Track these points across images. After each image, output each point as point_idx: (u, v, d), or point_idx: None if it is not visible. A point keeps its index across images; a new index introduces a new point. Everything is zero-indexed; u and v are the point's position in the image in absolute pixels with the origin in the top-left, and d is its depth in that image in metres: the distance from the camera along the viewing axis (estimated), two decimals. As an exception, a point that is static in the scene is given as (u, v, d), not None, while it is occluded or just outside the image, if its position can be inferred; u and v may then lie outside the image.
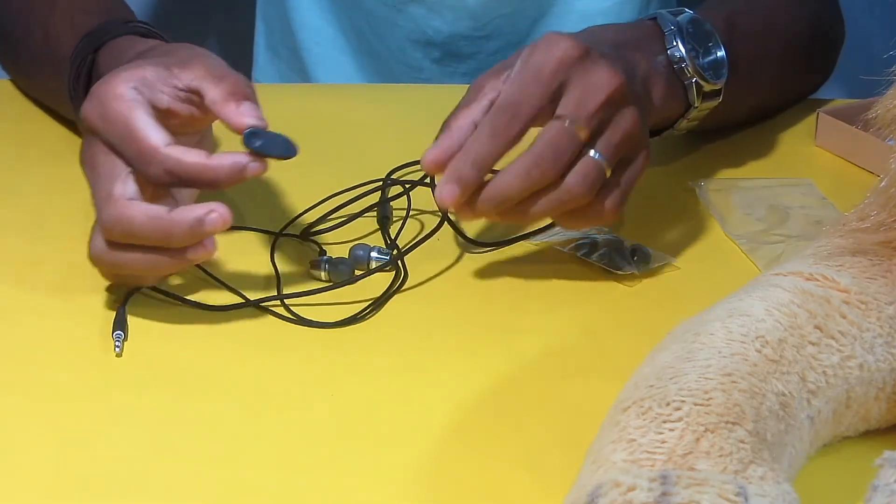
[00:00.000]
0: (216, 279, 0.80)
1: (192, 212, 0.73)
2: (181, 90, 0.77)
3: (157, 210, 0.73)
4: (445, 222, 0.84)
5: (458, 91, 1.13)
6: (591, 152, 0.77)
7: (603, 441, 0.58)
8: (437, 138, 0.78)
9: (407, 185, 0.89)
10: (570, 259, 0.85)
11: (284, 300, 0.78)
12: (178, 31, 1.33)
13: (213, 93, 0.76)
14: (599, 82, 0.78)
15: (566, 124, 0.77)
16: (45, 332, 0.76)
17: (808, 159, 1.00)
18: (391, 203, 0.88)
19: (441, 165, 0.77)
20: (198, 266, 0.81)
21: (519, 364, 0.74)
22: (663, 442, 0.56)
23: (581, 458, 0.59)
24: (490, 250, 0.86)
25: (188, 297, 0.78)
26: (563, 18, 1.16)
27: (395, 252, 0.83)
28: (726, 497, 0.53)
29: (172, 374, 0.73)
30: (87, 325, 0.76)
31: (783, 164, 1.00)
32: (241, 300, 0.79)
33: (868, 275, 0.68)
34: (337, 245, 0.85)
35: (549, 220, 0.83)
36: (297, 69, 1.23)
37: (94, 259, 0.76)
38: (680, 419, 0.57)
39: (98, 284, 0.80)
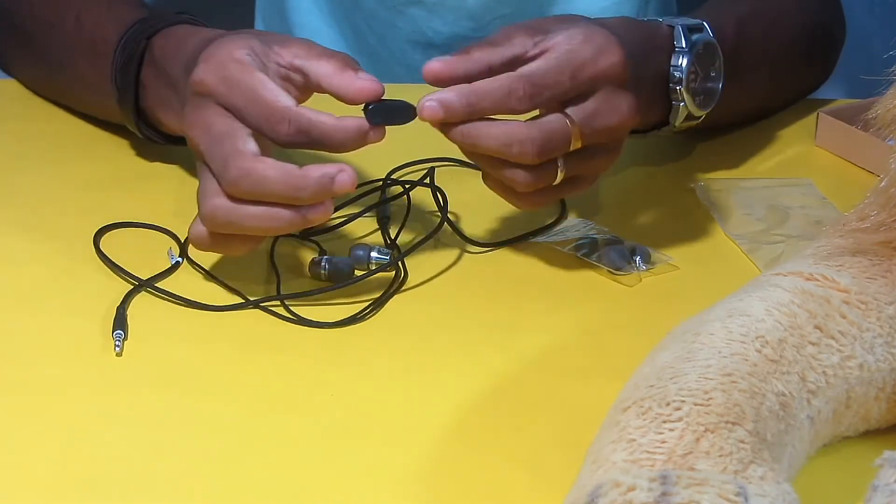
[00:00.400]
0: (216, 279, 0.80)
1: (323, 168, 0.74)
2: (282, 67, 0.78)
3: (288, 165, 0.74)
4: (445, 222, 0.84)
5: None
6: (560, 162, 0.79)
7: (603, 441, 0.58)
8: (453, 55, 0.79)
9: (407, 185, 0.89)
10: (570, 259, 0.85)
11: (284, 300, 0.78)
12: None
13: (323, 68, 0.78)
14: (619, 112, 0.79)
15: (570, 128, 0.77)
16: (45, 332, 0.76)
17: (808, 159, 1.00)
18: (391, 203, 0.88)
19: (439, 79, 0.78)
20: (197, 266, 0.81)
21: (519, 364, 0.74)
22: (663, 442, 0.56)
23: (581, 458, 0.59)
24: (490, 250, 0.86)
25: (188, 298, 0.78)
26: None
27: (395, 252, 0.83)
28: (726, 497, 0.53)
29: (172, 374, 0.73)
30: (87, 325, 0.76)
31: (783, 164, 1.00)
32: (241, 300, 0.78)
33: (868, 275, 0.68)
34: (337, 245, 0.85)
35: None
36: None
37: (209, 217, 0.75)
38: (680, 419, 0.57)
39: (98, 284, 0.80)
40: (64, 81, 0.99)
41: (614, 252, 0.84)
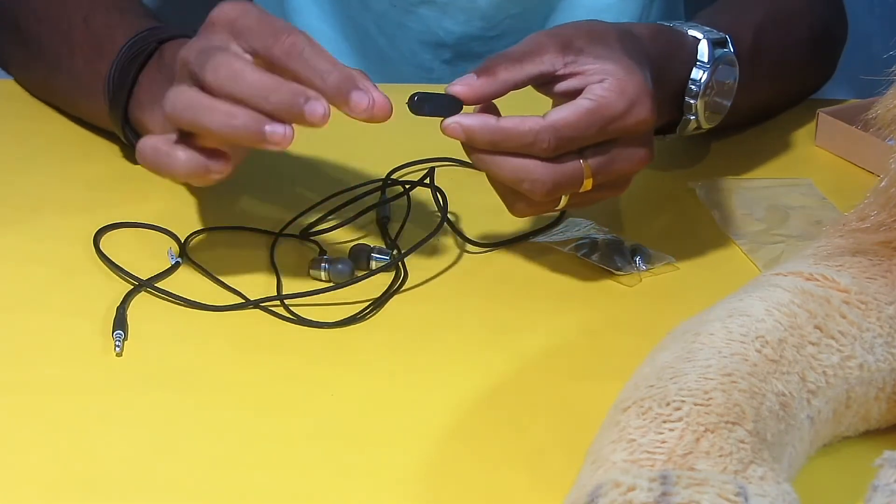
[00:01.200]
0: (216, 279, 0.80)
1: (302, 88, 0.72)
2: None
3: (268, 73, 0.72)
4: (445, 223, 0.84)
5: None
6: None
7: (603, 441, 0.58)
8: (477, 70, 0.78)
9: (407, 186, 0.89)
10: (570, 259, 0.85)
11: (284, 300, 0.78)
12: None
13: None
14: (636, 159, 0.79)
15: (584, 173, 0.78)
16: (45, 332, 0.76)
17: (808, 159, 1.00)
18: (391, 203, 0.88)
19: (465, 99, 0.77)
20: (197, 265, 0.81)
21: (519, 364, 0.74)
22: (663, 442, 0.56)
23: (581, 458, 0.59)
24: (490, 250, 0.86)
25: (188, 298, 0.78)
26: (570, 14, 1.16)
27: (395, 252, 0.83)
28: (726, 497, 0.53)
29: (172, 374, 0.73)
30: (87, 325, 0.76)
31: (783, 164, 1.00)
32: (240, 300, 0.78)
33: (868, 275, 0.68)
34: (337, 245, 0.85)
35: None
36: None
37: (170, 101, 0.74)
38: (680, 419, 0.57)
39: (98, 284, 0.80)
40: (57, 81, 0.99)
41: (614, 252, 0.84)
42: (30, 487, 0.64)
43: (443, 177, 0.91)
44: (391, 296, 0.80)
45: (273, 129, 0.72)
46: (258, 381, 0.72)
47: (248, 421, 0.69)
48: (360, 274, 0.81)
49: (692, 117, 0.89)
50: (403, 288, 0.81)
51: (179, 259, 0.82)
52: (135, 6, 0.95)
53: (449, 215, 0.86)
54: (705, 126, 0.90)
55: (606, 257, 0.83)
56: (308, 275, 0.81)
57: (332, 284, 0.80)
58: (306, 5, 1.19)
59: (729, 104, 0.91)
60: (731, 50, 0.89)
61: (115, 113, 0.89)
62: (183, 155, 0.75)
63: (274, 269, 0.82)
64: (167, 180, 0.90)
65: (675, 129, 0.91)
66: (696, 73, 0.87)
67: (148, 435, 0.68)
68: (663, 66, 0.84)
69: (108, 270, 0.81)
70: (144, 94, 0.87)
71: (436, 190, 0.87)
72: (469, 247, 0.86)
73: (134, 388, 0.71)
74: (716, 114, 0.91)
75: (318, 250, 0.84)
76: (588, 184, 0.78)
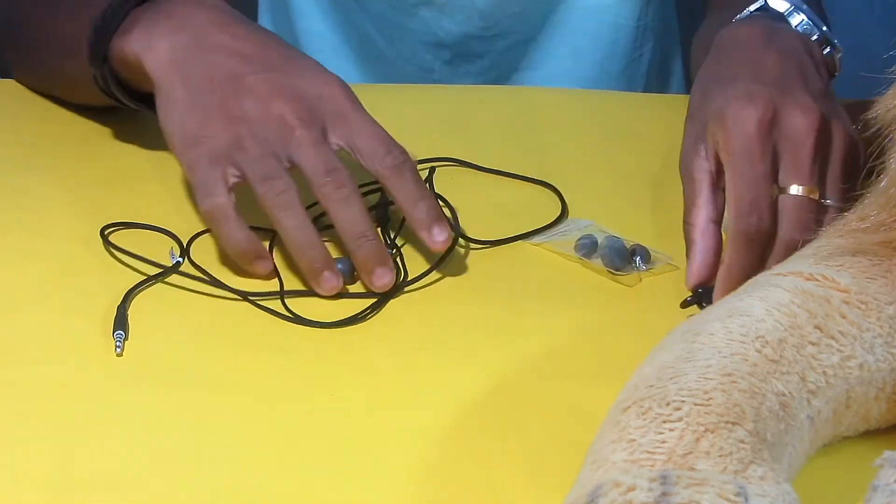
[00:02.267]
0: (215, 279, 0.80)
1: (325, 254, 0.79)
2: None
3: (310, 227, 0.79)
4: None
5: (459, 92, 1.14)
6: (830, 202, 0.79)
7: (603, 441, 0.58)
8: (687, 249, 0.81)
9: None
10: (570, 259, 0.85)
11: (284, 297, 0.78)
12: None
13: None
14: (802, 130, 0.79)
15: (795, 193, 0.78)
16: (45, 330, 0.76)
17: (808, 159, 1.00)
18: (390, 206, 0.88)
19: (709, 279, 0.80)
20: (199, 267, 0.81)
21: (519, 364, 0.74)
22: (663, 442, 0.56)
23: (581, 459, 0.59)
24: (488, 247, 0.85)
25: (188, 298, 0.78)
26: (570, 14, 1.16)
27: (394, 253, 0.83)
28: (726, 497, 0.53)
29: (172, 374, 0.73)
30: (88, 325, 0.76)
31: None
32: (238, 297, 0.79)
33: (868, 275, 0.68)
34: (338, 245, 0.85)
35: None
36: None
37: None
38: (680, 419, 0.57)
39: (99, 283, 0.80)
40: (44, 51, 0.98)
41: (614, 252, 0.84)
42: (29, 486, 0.64)
43: (443, 177, 0.91)
44: (391, 296, 0.80)
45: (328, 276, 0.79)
46: (258, 381, 0.72)
47: (247, 420, 0.69)
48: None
49: (828, 51, 0.89)
50: (404, 288, 0.81)
51: (180, 259, 0.82)
52: None
53: (448, 215, 0.86)
54: (838, 53, 0.89)
55: (606, 257, 0.83)
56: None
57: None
58: (308, 8, 1.20)
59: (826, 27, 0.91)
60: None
61: (97, 48, 0.87)
62: (244, 235, 0.79)
63: (274, 266, 0.82)
64: (169, 182, 0.90)
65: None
66: (791, 16, 0.88)
67: (148, 435, 0.68)
68: (778, 48, 0.86)
69: (109, 270, 0.81)
70: (133, 27, 0.85)
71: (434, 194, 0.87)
72: (470, 246, 0.86)
73: (134, 387, 0.71)
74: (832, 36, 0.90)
75: None
76: (833, 207, 0.79)
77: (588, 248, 0.85)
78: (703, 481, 0.54)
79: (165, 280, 0.80)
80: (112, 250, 0.82)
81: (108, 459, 0.66)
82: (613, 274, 0.83)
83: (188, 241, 0.84)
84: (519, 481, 0.65)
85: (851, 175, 0.80)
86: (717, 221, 0.81)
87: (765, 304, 0.65)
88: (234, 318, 0.78)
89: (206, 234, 0.85)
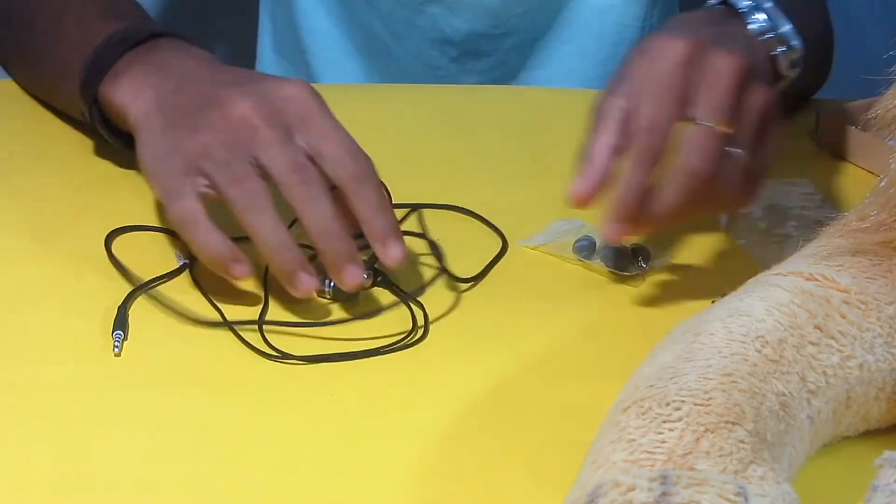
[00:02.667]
0: (206, 297, 0.80)
1: (300, 258, 0.77)
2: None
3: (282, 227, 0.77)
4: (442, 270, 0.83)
5: (462, 91, 1.14)
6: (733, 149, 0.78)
7: (603, 441, 0.58)
8: (580, 169, 0.78)
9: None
10: (570, 259, 0.85)
11: (262, 326, 0.76)
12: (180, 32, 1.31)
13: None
14: (723, 70, 0.78)
15: (708, 125, 0.77)
16: (47, 330, 0.76)
17: (808, 159, 1.00)
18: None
19: (590, 198, 0.77)
20: (194, 277, 0.81)
21: (519, 364, 0.74)
22: (663, 442, 0.56)
23: (581, 458, 0.59)
24: (473, 284, 0.83)
25: (192, 301, 0.78)
26: (577, 14, 1.16)
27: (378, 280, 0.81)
28: (726, 497, 0.53)
29: (172, 374, 0.73)
30: (88, 324, 0.76)
31: (783, 164, 0.99)
32: (219, 319, 0.77)
33: (868, 275, 0.68)
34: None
35: None
36: (304, 73, 1.23)
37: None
38: (680, 419, 0.57)
39: (100, 284, 0.80)
40: (43, 68, 0.98)
41: (614, 252, 0.83)
42: (28, 486, 0.64)
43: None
44: (389, 306, 0.80)
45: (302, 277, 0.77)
46: (257, 381, 0.72)
47: (247, 421, 0.69)
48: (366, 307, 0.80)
49: (781, 50, 0.87)
50: (403, 289, 0.81)
51: (188, 261, 0.82)
52: (132, 9, 0.95)
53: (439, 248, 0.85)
54: (794, 54, 0.88)
55: (608, 258, 0.83)
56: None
57: (313, 321, 0.77)
58: (312, 6, 1.20)
59: (791, 26, 0.89)
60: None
61: (88, 88, 0.87)
62: (217, 237, 0.77)
63: (264, 290, 0.80)
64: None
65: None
66: (748, 17, 0.87)
67: (147, 434, 0.68)
68: (716, 24, 0.85)
69: (113, 272, 0.81)
70: (124, 72, 0.86)
71: (425, 236, 0.85)
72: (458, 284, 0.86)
73: (134, 387, 0.71)
74: (794, 36, 0.89)
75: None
76: (726, 126, 0.77)
77: (587, 249, 0.84)
78: (703, 481, 0.54)
79: (172, 282, 0.80)
80: (115, 255, 0.82)
81: (108, 460, 0.66)
82: (615, 274, 0.83)
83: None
84: (519, 481, 0.65)
85: (763, 133, 0.80)
86: (616, 150, 0.78)
87: (765, 303, 0.65)
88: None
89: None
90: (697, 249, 0.87)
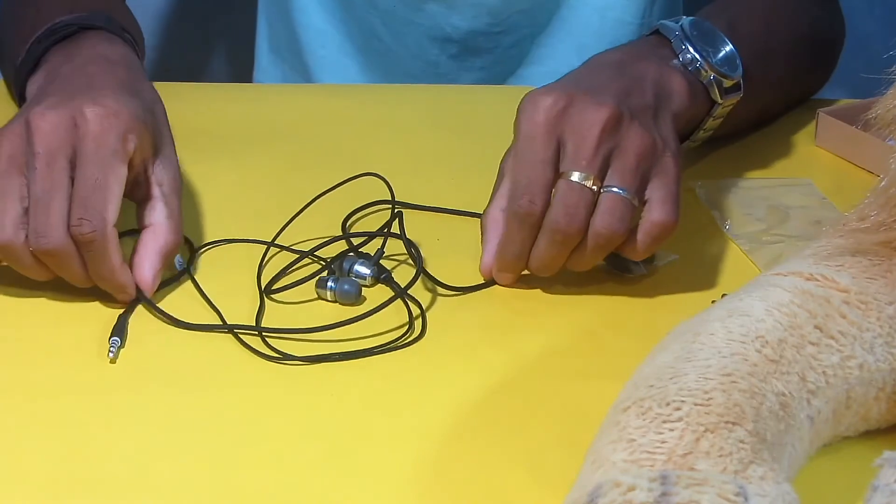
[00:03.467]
0: (206, 298, 0.80)
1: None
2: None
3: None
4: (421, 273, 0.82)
5: (461, 91, 1.14)
6: (612, 189, 0.78)
7: (603, 441, 0.58)
8: (482, 239, 0.82)
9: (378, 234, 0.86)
10: (571, 259, 0.84)
11: (263, 332, 0.76)
12: (180, 32, 1.33)
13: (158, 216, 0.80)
14: (588, 122, 0.78)
15: (572, 179, 0.77)
16: (47, 335, 0.76)
17: (808, 159, 1.00)
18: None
19: (494, 268, 0.81)
20: (194, 281, 0.81)
21: (519, 364, 0.74)
22: (663, 442, 0.56)
23: (581, 458, 0.59)
24: (458, 294, 0.82)
25: (192, 304, 0.78)
26: (576, 11, 1.16)
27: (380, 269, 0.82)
28: (726, 497, 0.53)
29: (172, 374, 0.73)
30: (89, 330, 0.76)
31: (783, 164, 1.00)
32: (218, 322, 0.77)
33: (868, 275, 0.68)
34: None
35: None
36: (301, 71, 1.23)
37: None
38: (680, 419, 0.57)
39: (99, 289, 0.80)
40: (4, 61, 0.99)
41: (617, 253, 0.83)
42: (27, 486, 0.64)
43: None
44: (387, 304, 0.80)
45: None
46: (257, 382, 0.72)
47: (247, 421, 0.69)
48: (366, 292, 0.80)
49: (712, 77, 0.87)
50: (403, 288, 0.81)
51: (186, 266, 0.82)
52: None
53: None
54: (728, 82, 0.88)
55: (610, 259, 0.83)
56: (315, 294, 0.81)
57: (313, 326, 0.76)
58: (310, 4, 1.20)
59: (733, 49, 0.90)
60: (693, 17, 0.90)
61: (17, 81, 0.89)
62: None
63: (260, 293, 0.80)
64: (184, 186, 0.90)
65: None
66: (677, 46, 0.87)
67: (147, 437, 0.68)
68: (631, 58, 0.85)
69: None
70: (42, 67, 0.87)
71: (406, 241, 0.84)
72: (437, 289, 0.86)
73: (133, 390, 0.71)
74: (733, 61, 0.89)
75: (328, 269, 0.82)
76: (621, 195, 0.77)
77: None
78: (703, 481, 0.54)
79: (173, 286, 0.80)
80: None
81: (109, 462, 0.66)
82: (619, 275, 0.83)
83: (197, 249, 0.84)
84: (519, 481, 0.65)
85: (645, 171, 0.79)
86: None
87: (765, 304, 0.65)
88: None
89: (212, 242, 0.85)
90: (697, 249, 0.87)
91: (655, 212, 0.78)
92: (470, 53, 1.18)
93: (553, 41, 1.18)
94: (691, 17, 0.89)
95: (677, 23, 0.89)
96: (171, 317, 0.77)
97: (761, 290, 0.66)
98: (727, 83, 0.88)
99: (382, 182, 0.86)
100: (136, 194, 0.80)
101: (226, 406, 0.70)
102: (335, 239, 0.84)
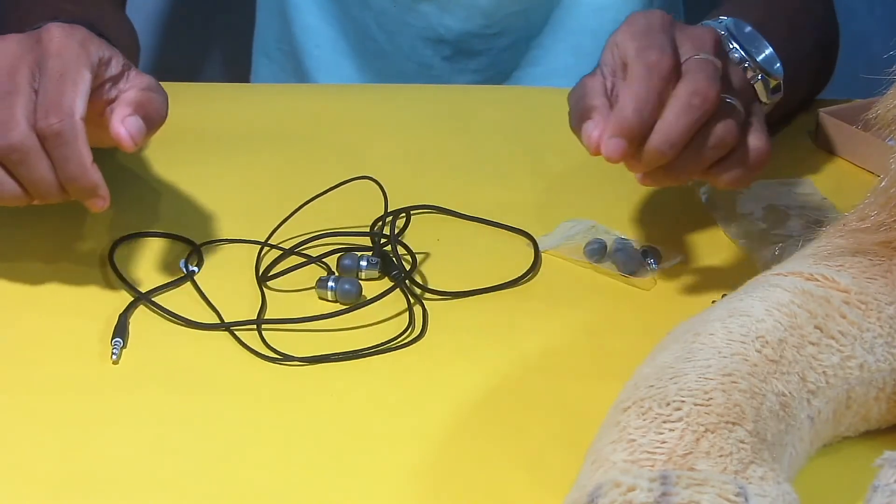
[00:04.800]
0: (205, 299, 0.80)
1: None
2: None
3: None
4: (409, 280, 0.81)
5: (456, 91, 1.14)
6: (726, 98, 0.77)
7: (603, 441, 0.58)
8: (577, 112, 0.77)
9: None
10: (580, 264, 0.84)
11: (261, 326, 0.77)
12: (178, 32, 1.34)
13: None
14: (702, 33, 0.79)
15: (700, 56, 0.76)
16: (48, 335, 0.76)
17: (808, 159, 1.00)
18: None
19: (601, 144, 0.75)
20: (194, 284, 0.81)
21: (519, 364, 0.74)
22: (663, 442, 0.56)
23: (581, 458, 0.59)
24: (448, 298, 0.82)
25: (194, 307, 0.78)
26: (573, 12, 1.16)
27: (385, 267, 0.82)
28: (726, 497, 0.53)
29: (173, 377, 0.73)
30: (91, 329, 0.76)
31: (783, 164, 0.99)
32: (217, 321, 0.77)
33: (868, 275, 0.68)
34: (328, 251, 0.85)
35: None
36: (297, 71, 1.23)
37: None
38: (680, 419, 0.57)
39: (106, 288, 0.80)
40: None
41: (626, 255, 0.83)
42: (27, 486, 0.64)
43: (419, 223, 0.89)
44: (381, 297, 0.80)
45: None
46: (257, 382, 0.72)
47: (247, 421, 0.69)
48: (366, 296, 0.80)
49: (760, 77, 0.87)
50: (403, 288, 0.81)
51: (195, 269, 0.82)
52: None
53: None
54: (773, 81, 0.88)
55: (619, 262, 0.83)
56: (316, 295, 0.81)
57: (313, 315, 0.77)
58: (305, 4, 1.20)
59: (772, 51, 0.89)
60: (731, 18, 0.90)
61: None
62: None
63: (260, 290, 0.80)
64: (182, 186, 0.90)
65: None
66: (726, 45, 0.86)
67: (148, 437, 0.68)
68: None
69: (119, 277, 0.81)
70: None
71: (396, 242, 0.84)
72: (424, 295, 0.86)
73: (133, 390, 0.71)
74: (774, 62, 0.89)
75: (327, 269, 0.83)
76: (734, 104, 0.76)
77: (598, 252, 0.84)
78: (703, 481, 0.54)
79: (176, 289, 0.80)
80: (117, 265, 0.82)
81: (109, 462, 0.66)
82: (626, 277, 0.82)
83: (199, 247, 0.84)
84: (519, 481, 0.65)
85: (746, 94, 0.79)
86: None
87: (765, 304, 0.65)
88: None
89: (213, 243, 0.85)
90: (698, 250, 0.87)
91: (757, 136, 0.78)
92: (463, 55, 1.18)
93: (548, 42, 1.18)
94: (731, 18, 0.89)
95: (720, 23, 0.88)
96: (172, 313, 0.77)
97: (761, 291, 0.66)
98: (772, 83, 0.88)
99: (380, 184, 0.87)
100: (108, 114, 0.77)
101: (226, 406, 0.70)
102: (331, 233, 0.85)
